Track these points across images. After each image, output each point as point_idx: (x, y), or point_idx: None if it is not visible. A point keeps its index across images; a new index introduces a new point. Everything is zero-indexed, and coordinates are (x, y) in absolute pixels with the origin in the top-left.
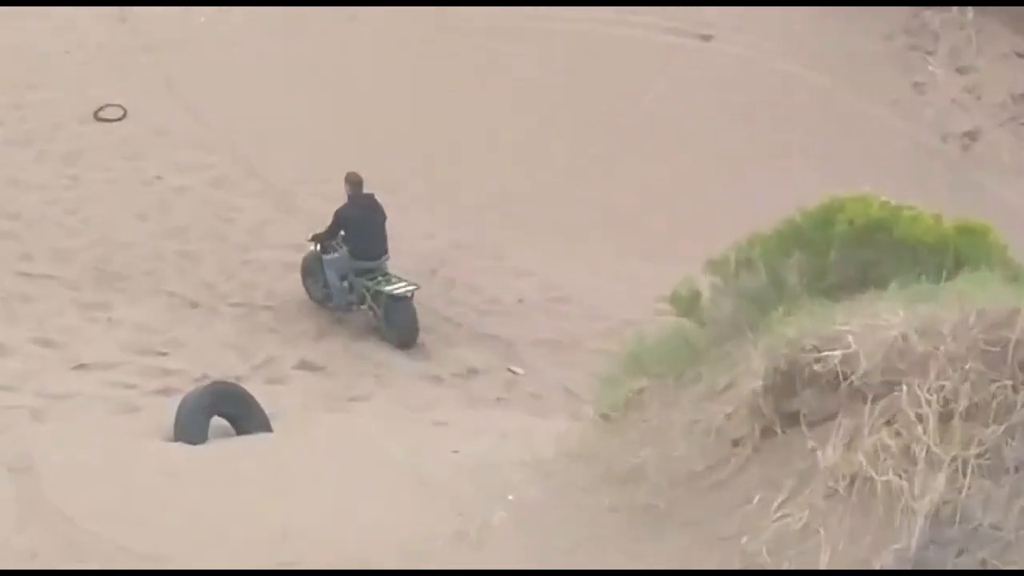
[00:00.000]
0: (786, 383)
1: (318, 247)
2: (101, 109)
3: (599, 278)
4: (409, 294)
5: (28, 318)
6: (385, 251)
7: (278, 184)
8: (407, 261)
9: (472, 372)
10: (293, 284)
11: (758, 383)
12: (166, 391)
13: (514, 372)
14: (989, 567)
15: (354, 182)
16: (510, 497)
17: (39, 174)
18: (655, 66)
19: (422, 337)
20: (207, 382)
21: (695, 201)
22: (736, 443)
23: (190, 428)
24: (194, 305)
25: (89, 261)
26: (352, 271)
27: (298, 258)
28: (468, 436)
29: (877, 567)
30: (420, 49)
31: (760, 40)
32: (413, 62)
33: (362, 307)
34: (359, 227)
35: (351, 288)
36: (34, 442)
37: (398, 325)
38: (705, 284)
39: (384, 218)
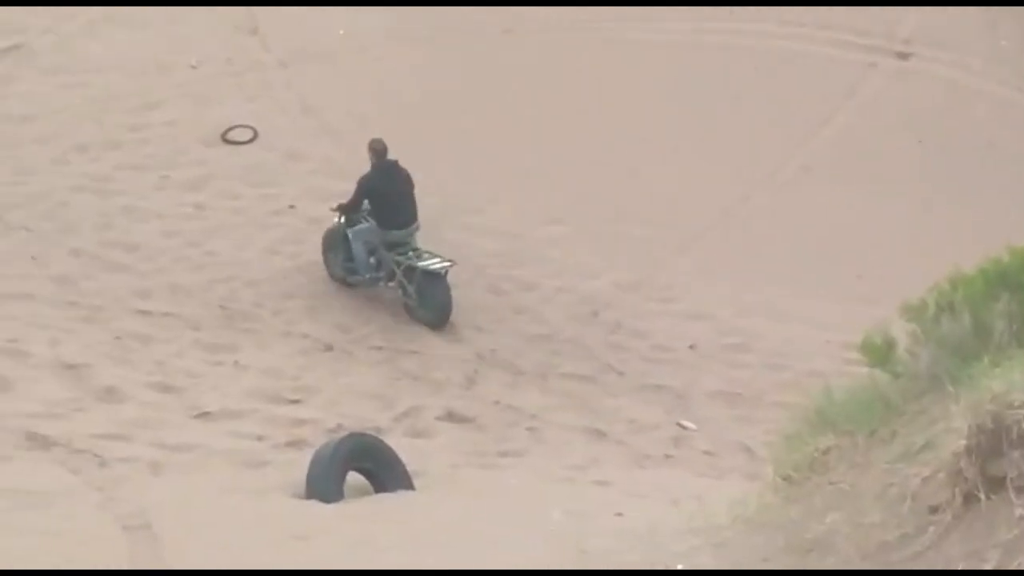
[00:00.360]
0: (991, 443)
1: (342, 219)
2: (229, 131)
3: (780, 322)
4: (444, 271)
5: (146, 361)
6: (415, 218)
7: (421, 215)
8: (568, 298)
9: (638, 426)
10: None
11: (960, 443)
12: (297, 443)
13: (685, 427)
14: None
15: (377, 150)
16: (679, 566)
17: (159, 202)
18: (844, 87)
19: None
20: (342, 434)
21: (886, 239)
22: (934, 510)
23: (323, 485)
24: (329, 348)
25: (213, 299)
26: (381, 244)
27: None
28: (633, 498)
29: None
30: (580, 65)
31: (964, 57)
32: (573, 78)
33: (390, 284)
34: (385, 195)
35: (379, 264)
36: (151, 498)
37: (432, 304)
38: (901, 331)
39: (412, 185)
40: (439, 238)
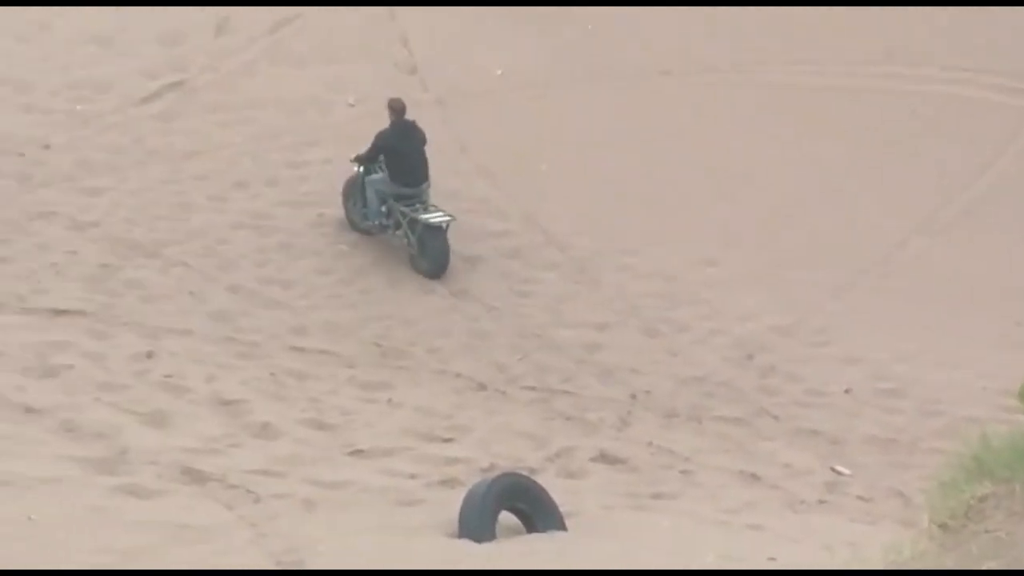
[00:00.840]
0: None
1: (361, 168)
2: None
3: (937, 368)
4: (444, 225)
5: (300, 397)
6: (426, 178)
7: (578, 255)
8: (722, 341)
9: (791, 471)
10: (594, 367)
11: None
12: (450, 482)
13: (839, 472)
14: None
15: (397, 109)
16: None
17: (315, 240)
18: (1006, 132)
19: None
20: (495, 473)
21: None
22: None
23: (476, 524)
24: (482, 387)
25: (368, 336)
26: (392, 196)
27: (601, 336)
28: (786, 543)
29: None
30: (738, 107)
31: None
32: (731, 120)
33: (396, 233)
34: (399, 153)
35: (389, 213)
36: (304, 534)
37: (430, 254)
38: None
39: (424, 143)
40: (593, 278)
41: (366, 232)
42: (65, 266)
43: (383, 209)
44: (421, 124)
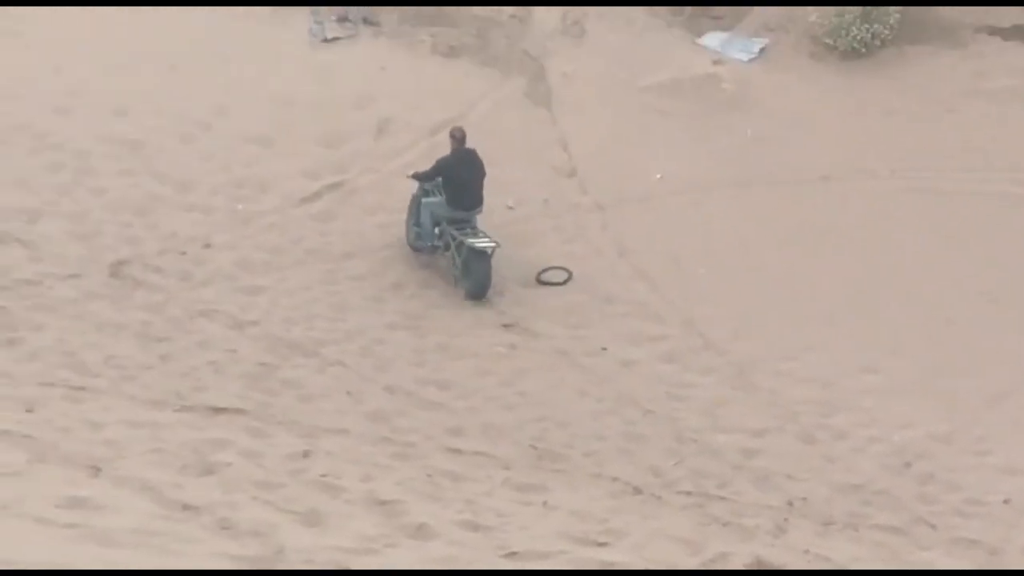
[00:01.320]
0: None
1: (417, 190)
2: (544, 271)
3: None
4: (489, 251)
5: (455, 498)
6: (479, 204)
7: (735, 359)
8: (880, 448)
9: None
10: (750, 473)
11: None
12: None
13: None
14: None
15: (458, 137)
16: None
17: (473, 340)
18: None
19: None
20: None
21: None
22: None
23: None
24: (638, 491)
25: (524, 438)
26: (445, 219)
27: (757, 442)
28: None
29: None
30: (897, 213)
31: None
32: (889, 226)
33: (446, 253)
34: (457, 179)
35: (440, 235)
36: None
37: (473, 276)
38: None
39: (483, 174)
40: (751, 383)
41: (416, 251)
42: (224, 364)
43: (436, 231)
44: (580, 227)
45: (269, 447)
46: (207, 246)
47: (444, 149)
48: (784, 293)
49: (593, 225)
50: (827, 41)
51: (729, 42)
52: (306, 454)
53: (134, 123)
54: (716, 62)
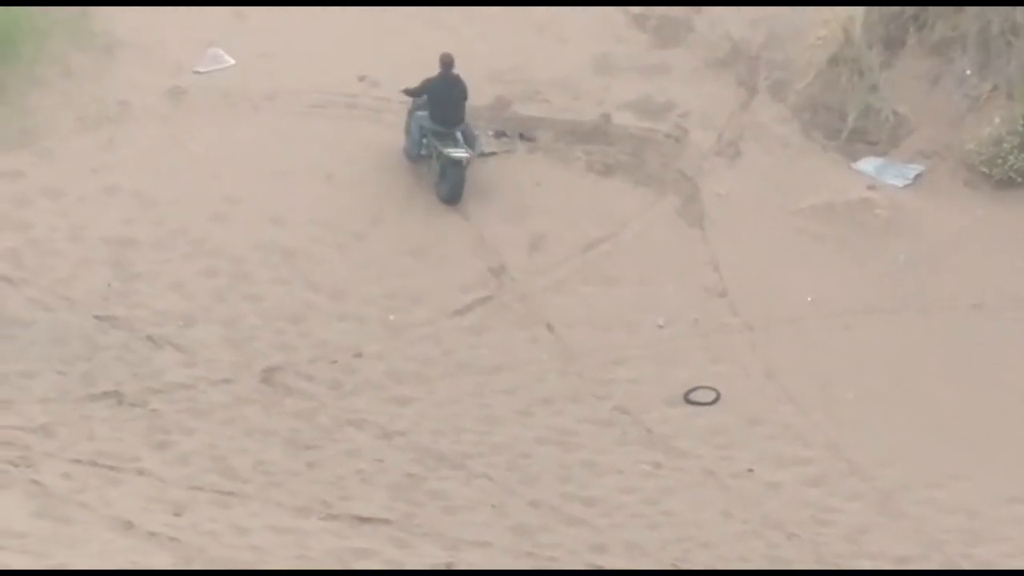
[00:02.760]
0: None
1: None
2: (692, 391)
3: None
4: (464, 161)
5: None
6: (458, 122)
7: (881, 485)
8: None
9: None
10: None
11: None
12: None
13: None
14: None
15: (445, 62)
16: None
17: (619, 458)
18: None
19: None
20: None
21: None
22: None
23: None
24: None
25: (667, 558)
26: (430, 132)
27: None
28: None
29: None
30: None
31: None
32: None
33: (430, 161)
34: (439, 98)
35: (426, 145)
36: None
37: (447, 182)
38: None
39: (464, 97)
40: (897, 510)
41: (409, 160)
42: (371, 474)
43: (423, 141)
44: (729, 348)
45: (412, 558)
46: (358, 355)
47: (598, 266)
48: (932, 420)
49: (742, 346)
50: (983, 169)
51: (884, 168)
52: (449, 566)
53: (290, 231)
54: (871, 187)
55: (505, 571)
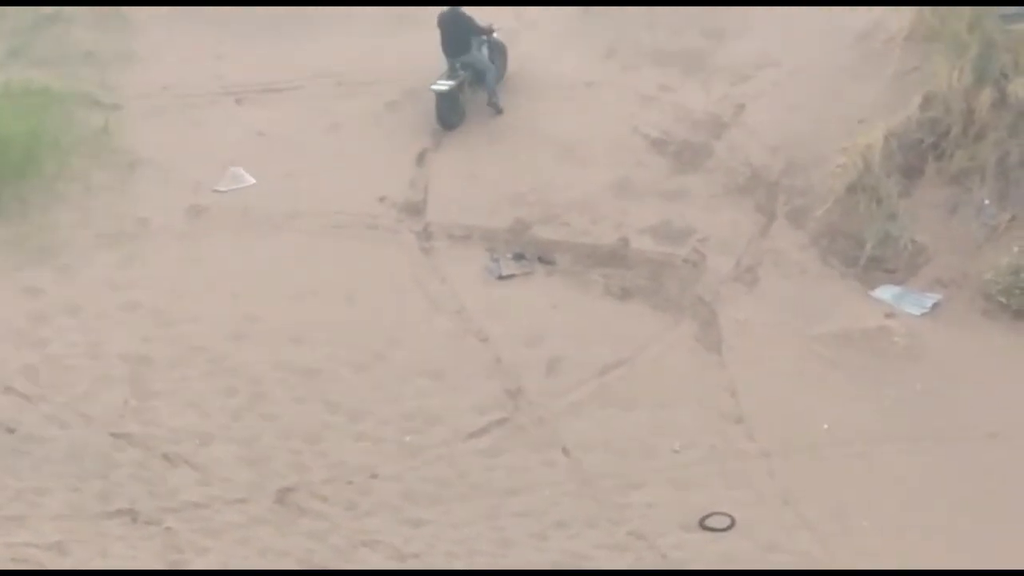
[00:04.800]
0: None
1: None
2: (707, 517)
3: None
4: (439, 91)
5: None
6: (458, 53)
7: None
8: None
9: None
10: None
11: None
12: None
13: None
14: None
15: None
16: None
17: None
18: None
19: None
20: None
21: None
22: None
23: None
24: None
25: None
26: (447, 63)
27: None
28: None
29: None
30: None
31: None
32: None
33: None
34: (442, 31)
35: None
36: None
37: (436, 110)
38: None
39: (465, 29)
40: None
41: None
42: None
43: (444, 72)
44: (745, 474)
45: None
46: (374, 476)
47: (615, 390)
48: (948, 552)
49: (758, 472)
50: (1001, 299)
51: (902, 296)
52: None
53: (309, 351)
54: (888, 315)
55: (505, 571)
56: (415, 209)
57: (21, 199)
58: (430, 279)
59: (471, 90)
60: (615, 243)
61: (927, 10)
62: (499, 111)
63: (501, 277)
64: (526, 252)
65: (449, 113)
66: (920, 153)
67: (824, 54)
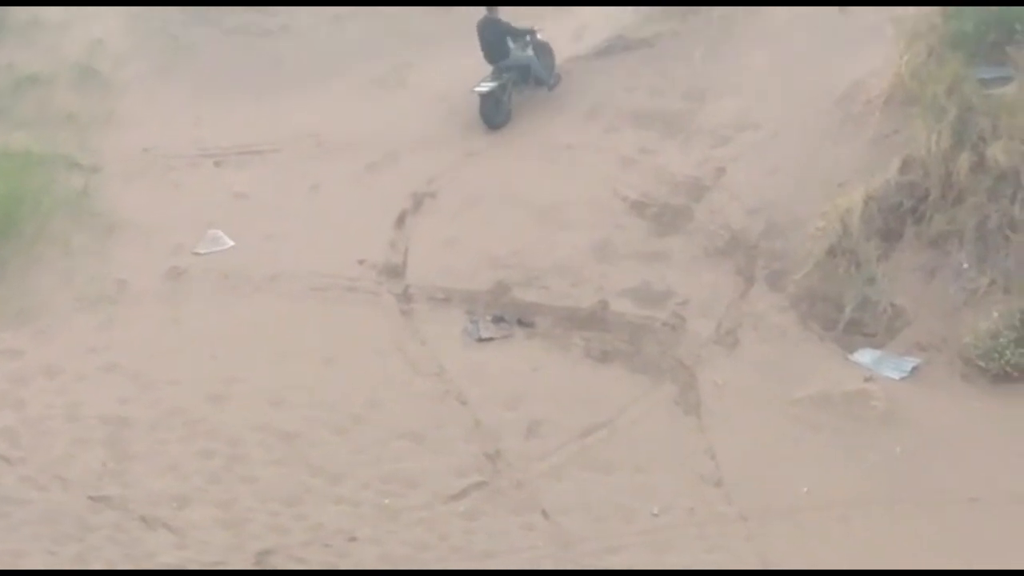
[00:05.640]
0: None
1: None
2: None
3: None
4: (480, 92)
5: None
6: (497, 59)
7: None
8: None
9: None
10: None
11: None
12: None
13: None
14: None
15: (490, 6)
16: None
17: None
18: None
19: None
20: None
21: None
22: None
23: None
24: None
25: None
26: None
27: None
28: None
29: None
30: None
31: None
32: None
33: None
34: (480, 38)
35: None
36: None
37: (480, 110)
38: None
39: (501, 32)
40: None
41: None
42: None
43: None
44: (724, 537)
45: None
46: (352, 539)
47: (594, 453)
48: None
49: (737, 535)
50: (980, 363)
51: (881, 360)
52: None
53: (288, 414)
54: (868, 379)
55: (504, 571)
56: (395, 271)
57: (0, 261)
58: (410, 341)
59: (516, 91)
60: (595, 306)
61: (906, 73)
62: (557, 82)
63: (481, 339)
64: (506, 315)
65: (493, 113)
66: (899, 216)
67: (803, 117)
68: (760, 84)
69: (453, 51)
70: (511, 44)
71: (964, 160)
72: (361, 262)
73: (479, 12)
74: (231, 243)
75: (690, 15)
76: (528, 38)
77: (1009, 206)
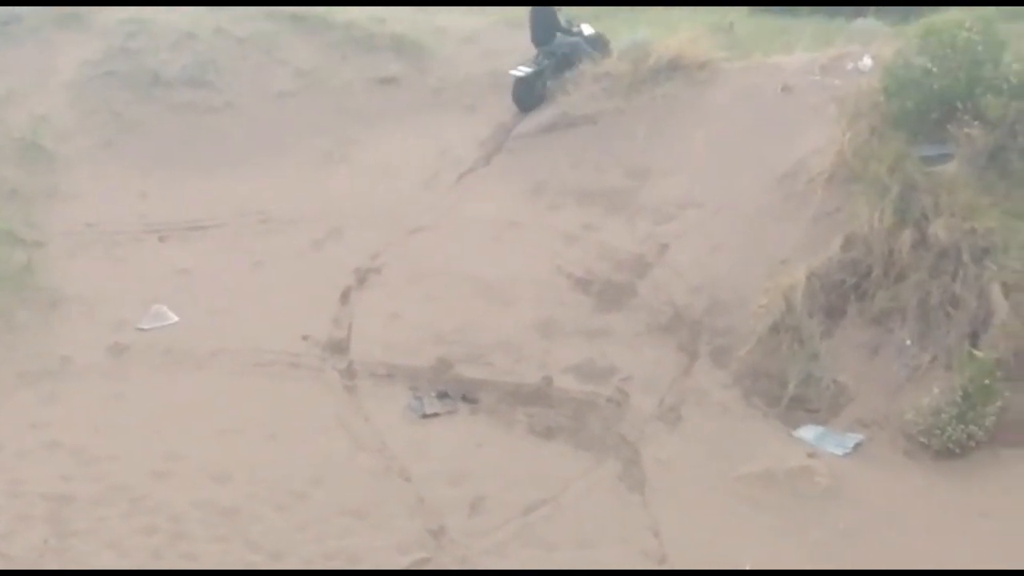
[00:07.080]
0: None
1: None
2: None
3: None
4: (517, 75)
5: None
6: (543, 42)
7: None
8: None
9: None
10: None
11: None
12: None
13: None
14: None
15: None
16: None
17: None
18: None
19: None
20: None
21: None
22: None
23: None
24: None
25: None
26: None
27: None
28: None
29: None
30: None
31: None
32: None
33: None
34: (531, 22)
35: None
36: None
37: (512, 92)
38: None
39: (545, 15)
40: None
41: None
42: None
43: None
44: None
45: None
46: None
47: (537, 530)
48: None
49: None
50: (922, 440)
51: (824, 436)
52: None
53: (231, 490)
54: (811, 455)
55: (503, 571)
56: (339, 347)
57: None
58: (353, 417)
59: (553, 77)
60: (539, 382)
61: (848, 152)
62: (606, 44)
63: (425, 416)
64: (450, 391)
65: (525, 96)
66: (842, 294)
67: (747, 195)
68: (703, 162)
69: (397, 128)
70: (554, 32)
71: (906, 237)
72: (305, 338)
73: (424, 92)
74: (175, 319)
75: (633, 94)
76: (576, 30)
77: (950, 283)
